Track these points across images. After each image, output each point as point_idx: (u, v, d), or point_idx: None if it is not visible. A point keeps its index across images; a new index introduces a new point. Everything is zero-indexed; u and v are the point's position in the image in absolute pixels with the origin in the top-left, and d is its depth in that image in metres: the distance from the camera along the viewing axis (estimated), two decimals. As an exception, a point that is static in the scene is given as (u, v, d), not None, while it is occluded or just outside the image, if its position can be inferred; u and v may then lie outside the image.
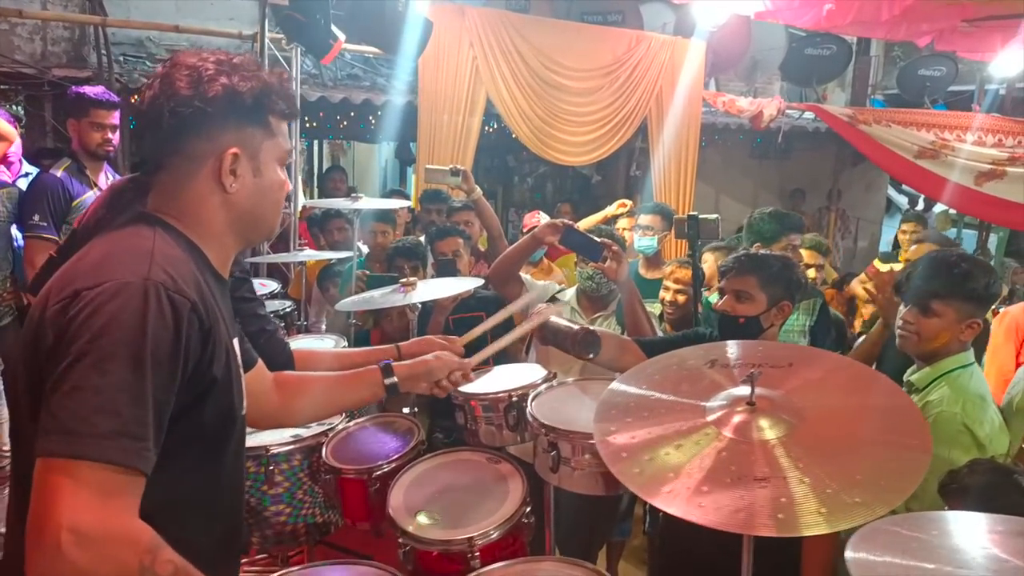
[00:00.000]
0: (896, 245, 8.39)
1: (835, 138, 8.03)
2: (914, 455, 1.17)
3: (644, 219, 3.96)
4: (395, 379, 1.73)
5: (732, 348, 1.54)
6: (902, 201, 11.72)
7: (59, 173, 3.50)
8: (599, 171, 9.25)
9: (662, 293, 3.54)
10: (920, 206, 10.58)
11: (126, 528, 0.99)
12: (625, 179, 8.79)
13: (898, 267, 4.99)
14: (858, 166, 9.29)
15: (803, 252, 3.67)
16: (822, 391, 1.35)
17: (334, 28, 4.57)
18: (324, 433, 2.32)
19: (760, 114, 7.04)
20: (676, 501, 1.16)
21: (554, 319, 2.18)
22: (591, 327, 2.10)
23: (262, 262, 4.80)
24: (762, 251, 2.55)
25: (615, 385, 1.53)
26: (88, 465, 0.97)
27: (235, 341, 1.34)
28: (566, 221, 3.02)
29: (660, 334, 2.98)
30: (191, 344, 1.11)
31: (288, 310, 3.88)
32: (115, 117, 3.62)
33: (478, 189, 3.86)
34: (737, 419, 1.31)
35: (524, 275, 3.43)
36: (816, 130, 8.18)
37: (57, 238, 3.38)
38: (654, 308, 3.45)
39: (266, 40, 5.17)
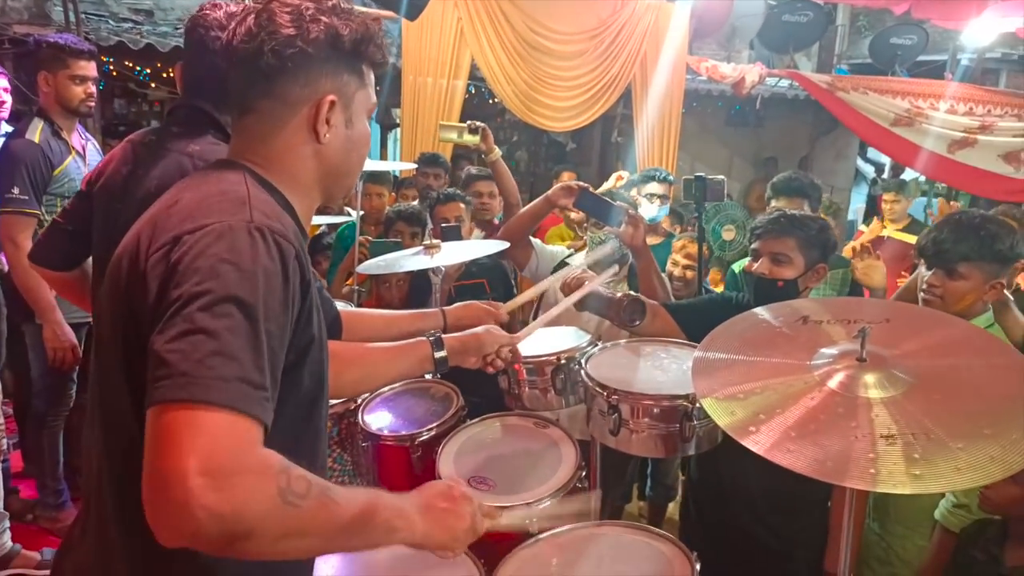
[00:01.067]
0: (871, 213, 8.53)
1: (811, 106, 8.07)
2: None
3: (655, 187, 3.90)
4: (445, 353, 1.67)
5: (816, 306, 1.50)
6: (868, 170, 11.89)
7: (36, 138, 3.20)
8: (574, 138, 9.19)
9: (670, 267, 3.50)
10: (885, 175, 10.76)
11: (256, 460, 0.91)
12: (601, 146, 8.75)
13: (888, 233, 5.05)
14: (829, 134, 9.39)
15: None
16: (933, 346, 1.32)
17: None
18: (353, 399, 2.24)
19: (742, 80, 7.02)
20: (770, 445, 1.13)
21: (594, 285, 2.12)
22: (636, 294, 2.05)
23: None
24: (797, 211, 2.51)
25: (702, 352, 1.47)
26: (207, 410, 0.88)
27: None
28: (581, 183, 2.96)
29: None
30: (295, 294, 1.04)
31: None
32: (94, 68, 3.36)
33: (497, 150, 3.72)
34: (842, 375, 1.27)
35: (535, 240, 3.37)
36: (795, 98, 8.21)
37: (39, 212, 3.11)
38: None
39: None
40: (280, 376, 1.01)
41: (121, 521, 1.07)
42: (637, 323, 2.06)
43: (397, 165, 4.07)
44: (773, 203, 3.05)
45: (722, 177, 2.94)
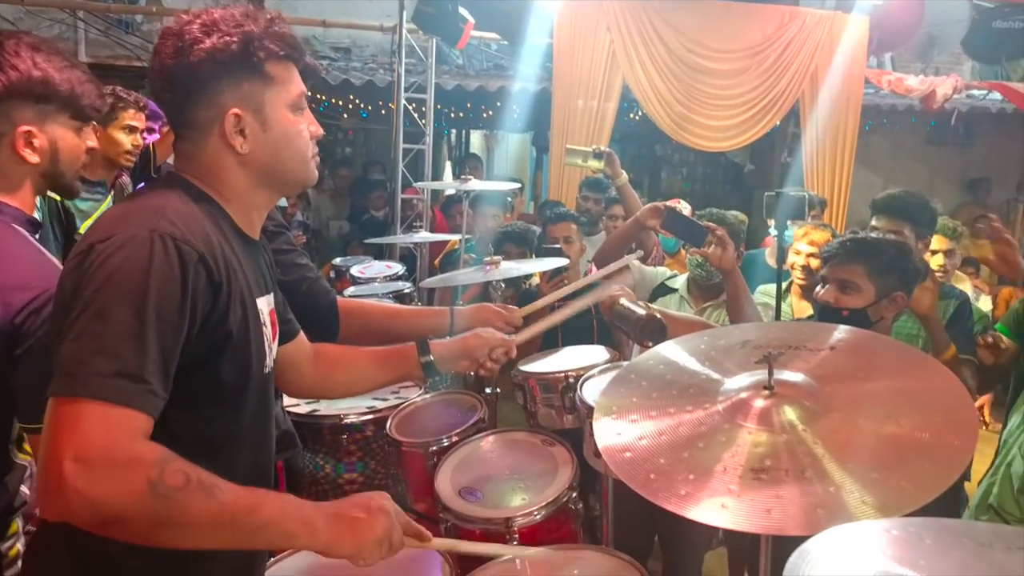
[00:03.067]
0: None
1: (1026, 121, 7.13)
2: (952, 457, 0.98)
3: None
4: (431, 358, 1.66)
5: (776, 330, 1.37)
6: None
7: None
8: (752, 159, 8.78)
9: (792, 258, 3.27)
10: None
11: (129, 452, 1.00)
12: (780, 167, 8.29)
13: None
14: (1058, 153, 8.19)
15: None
16: (858, 376, 1.17)
17: (463, 11, 4.65)
18: (397, 405, 2.35)
19: (932, 93, 6.36)
20: (662, 491, 1.05)
21: (624, 302, 2.06)
22: (656, 313, 1.96)
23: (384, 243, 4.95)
24: (872, 234, 2.28)
25: (635, 361, 1.41)
26: (84, 403, 0.99)
27: (264, 303, 1.33)
28: (668, 204, 2.88)
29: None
30: (198, 295, 1.11)
31: (407, 291, 3.98)
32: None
33: (624, 175, 3.67)
34: (754, 406, 1.16)
35: (633, 260, 3.31)
36: (1001, 112, 7.27)
37: None
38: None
39: (403, 31, 5.34)
40: (185, 369, 1.11)
41: None
42: (651, 345, 1.98)
43: (499, 185, 4.16)
44: (872, 222, 2.77)
45: (804, 193, 2.72)
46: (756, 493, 1.00)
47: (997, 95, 7.14)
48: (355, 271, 4.38)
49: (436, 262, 4.78)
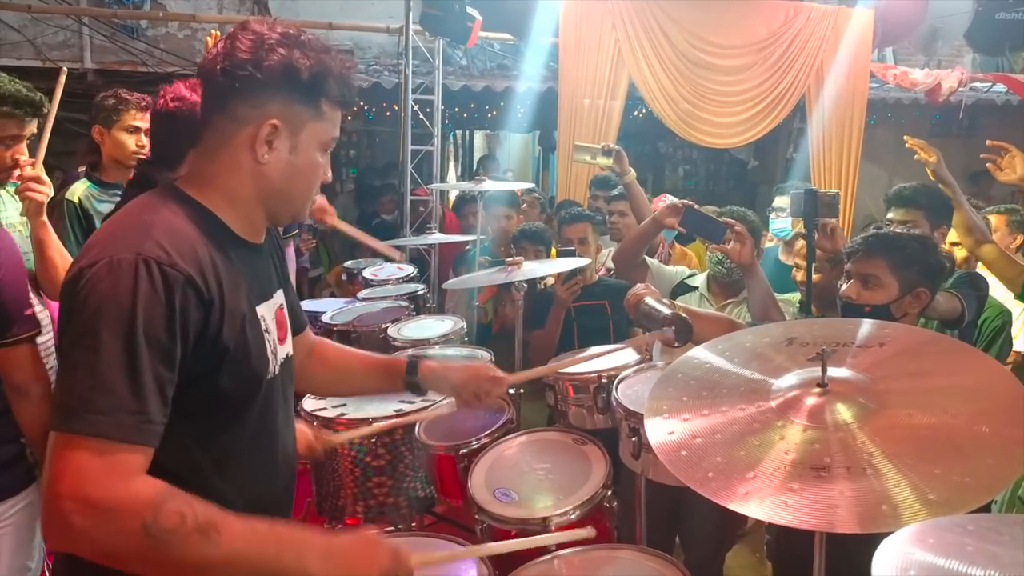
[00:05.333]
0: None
1: (1031, 112, 7.13)
2: (1013, 450, 0.99)
3: (780, 200, 3.68)
4: (417, 379, 1.70)
5: (819, 326, 1.38)
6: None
7: None
8: (756, 155, 8.77)
9: (794, 271, 3.26)
10: None
11: (126, 494, 1.02)
12: (785, 163, 8.29)
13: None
14: (1062, 144, 8.19)
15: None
16: (909, 371, 1.17)
17: (470, 10, 4.65)
18: (425, 409, 2.35)
19: (938, 86, 6.37)
20: (720, 490, 1.05)
21: (649, 300, 2.06)
22: (682, 313, 1.96)
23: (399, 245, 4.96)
24: (896, 229, 2.27)
25: (681, 360, 1.41)
26: (84, 439, 1.02)
27: (267, 308, 1.34)
28: (686, 201, 2.88)
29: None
30: (188, 317, 1.12)
31: (420, 292, 3.98)
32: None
33: (632, 172, 3.67)
34: (808, 403, 1.16)
35: (650, 260, 3.31)
36: (1007, 103, 7.28)
37: None
38: (791, 298, 3.19)
39: (410, 32, 5.33)
40: (184, 386, 1.13)
41: None
42: (677, 344, 1.98)
43: (512, 185, 4.17)
44: (888, 215, 2.77)
45: (836, 191, 2.71)
46: (818, 491, 1.00)
47: (1001, 87, 7.15)
48: (367, 273, 4.38)
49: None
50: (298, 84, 1.22)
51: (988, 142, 2.90)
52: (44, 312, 2.45)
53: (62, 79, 2.52)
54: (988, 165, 2.86)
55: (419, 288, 4.03)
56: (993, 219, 3.50)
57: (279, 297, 1.40)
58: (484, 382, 1.73)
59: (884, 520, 0.94)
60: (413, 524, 2.33)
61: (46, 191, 2.59)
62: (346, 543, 1.17)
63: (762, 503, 1.00)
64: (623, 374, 1.95)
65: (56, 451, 1.03)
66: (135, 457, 1.05)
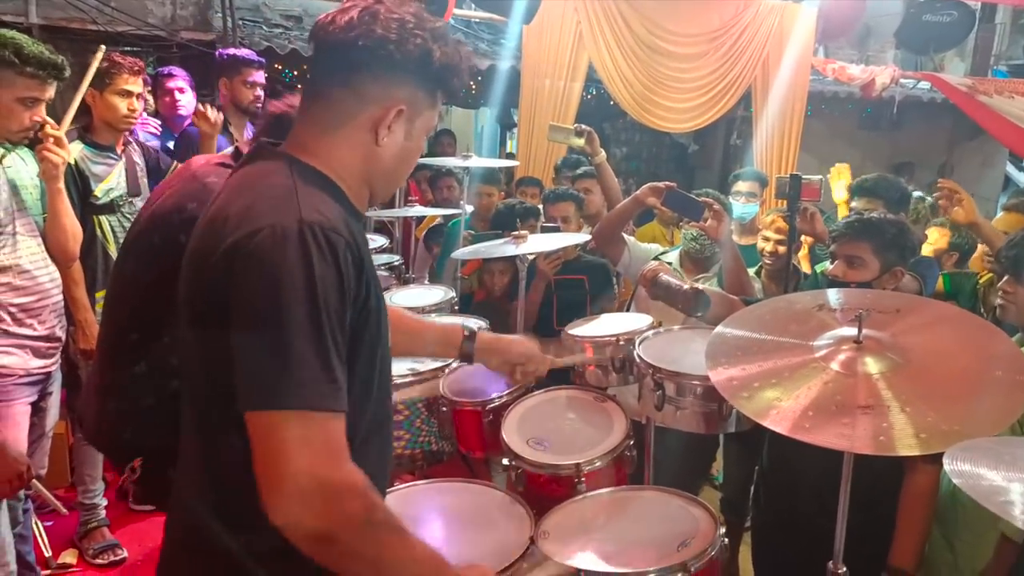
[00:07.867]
0: None
1: (951, 110, 7.69)
2: (1019, 387, 1.24)
3: (745, 185, 3.96)
4: (475, 347, 1.82)
5: (838, 294, 1.62)
6: (1022, 179, 11.06)
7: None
8: (697, 140, 9.15)
9: (761, 244, 3.52)
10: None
11: (350, 477, 1.05)
12: (724, 148, 8.68)
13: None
14: (975, 140, 8.86)
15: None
16: (930, 335, 1.42)
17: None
18: (441, 368, 2.51)
19: (872, 82, 6.82)
20: (783, 422, 1.27)
21: (664, 276, 2.29)
22: (700, 287, 2.20)
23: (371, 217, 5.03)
24: (875, 215, 2.57)
25: (722, 328, 1.63)
26: (297, 414, 1.02)
27: None
28: (668, 183, 3.10)
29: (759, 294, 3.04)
30: (350, 281, 1.12)
31: (397, 263, 4.11)
32: (262, 75, 3.90)
33: (603, 153, 3.83)
34: (843, 356, 1.40)
35: (627, 237, 3.53)
36: (932, 101, 7.84)
37: None
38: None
39: None
40: (348, 355, 1.13)
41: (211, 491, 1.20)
42: (699, 314, 2.21)
43: (503, 162, 4.33)
44: (853, 204, 3.09)
45: (820, 177, 2.98)
46: (868, 425, 1.24)
47: (926, 84, 7.69)
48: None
49: (418, 234, 4.89)
50: (428, 72, 1.23)
51: (939, 182, 3.16)
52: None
53: (99, 55, 2.53)
54: (941, 203, 3.07)
55: (394, 259, 4.15)
56: (935, 232, 3.73)
57: None
58: (535, 362, 1.88)
59: (925, 444, 1.18)
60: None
61: (64, 155, 2.62)
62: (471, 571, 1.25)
63: (824, 433, 1.23)
64: (643, 336, 2.16)
65: (271, 431, 1.03)
66: (339, 425, 1.06)
